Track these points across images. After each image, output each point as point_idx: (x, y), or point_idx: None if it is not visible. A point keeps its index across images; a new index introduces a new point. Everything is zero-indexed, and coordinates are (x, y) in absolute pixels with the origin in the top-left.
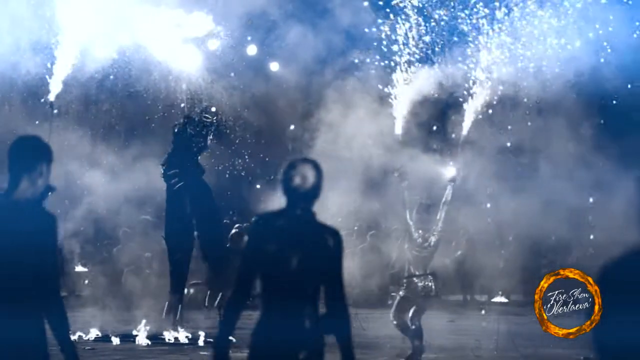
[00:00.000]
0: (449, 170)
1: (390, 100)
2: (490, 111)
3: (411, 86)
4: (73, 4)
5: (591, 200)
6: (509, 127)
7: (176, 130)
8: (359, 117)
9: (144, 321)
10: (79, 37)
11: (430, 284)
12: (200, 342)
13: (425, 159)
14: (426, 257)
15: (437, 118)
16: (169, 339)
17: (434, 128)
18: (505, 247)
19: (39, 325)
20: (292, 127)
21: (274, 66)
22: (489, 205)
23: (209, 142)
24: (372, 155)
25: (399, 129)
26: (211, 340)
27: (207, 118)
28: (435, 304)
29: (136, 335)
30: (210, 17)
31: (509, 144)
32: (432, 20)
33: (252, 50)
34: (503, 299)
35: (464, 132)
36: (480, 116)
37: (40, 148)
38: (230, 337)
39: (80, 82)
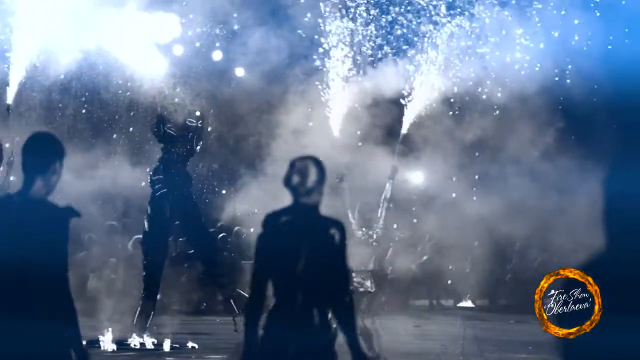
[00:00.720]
0: (390, 168)
1: (341, 101)
2: (449, 112)
3: (363, 86)
4: (33, 6)
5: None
6: (467, 127)
7: (159, 134)
8: (322, 120)
9: (109, 327)
10: (39, 40)
11: (368, 281)
12: (166, 348)
13: (375, 158)
14: (368, 254)
15: (391, 118)
16: (134, 345)
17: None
18: (470, 252)
19: (55, 328)
20: (251, 139)
21: (239, 71)
22: (452, 208)
23: (195, 146)
24: (334, 158)
25: (346, 130)
26: (177, 345)
27: (192, 122)
28: (373, 303)
29: (102, 341)
30: (175, 21)
31: (468, 146)
32: (388, 17)
33: (217, 55)
34: (469, 304)
35: (403, 130)
36: (424, 115)
37: (53, 145)
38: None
39: (43, 86)
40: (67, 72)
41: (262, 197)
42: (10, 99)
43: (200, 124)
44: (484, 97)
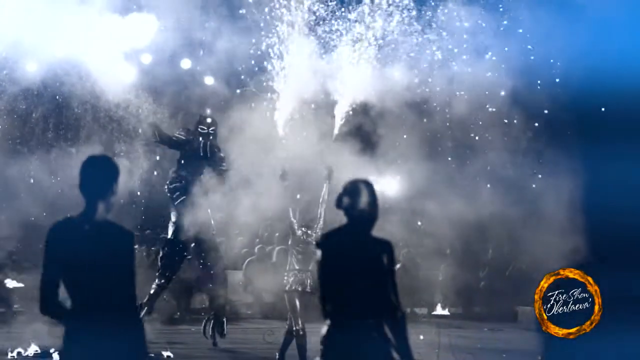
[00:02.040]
0: (326, 169)
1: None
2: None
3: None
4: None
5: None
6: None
7: (172, 141)
8: (290, 126)
9: None
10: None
11: (307, 280)
12: None
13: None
14: (308, 254)
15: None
16: None
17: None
18: (443, 260)
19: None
20: (221, 153)
21: (209, 80)
22: (423, 217)
23: (209, 153)
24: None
25: (294, 131)
26: (152, 355)
27: (203, 129)
28: (309, 304)
29: None
30: (144, 30)
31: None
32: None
33: (186, 64)
34: (444, 312)
35: (335, 130)
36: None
37: (110, 166)
38: None
39: (9, 93)
40: (33, 78)
41: (229, 205)
42: None
43: (212, 130)
44: (448, 100)
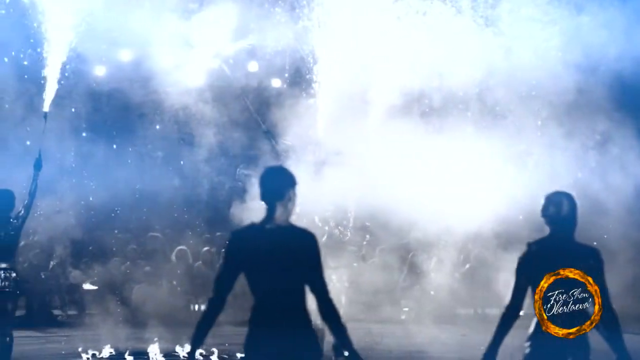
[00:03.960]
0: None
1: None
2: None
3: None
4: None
5: None
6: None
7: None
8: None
9: (156, 337)
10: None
11: (342, 276)
12: (215, 358)
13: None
14: (341, 251)
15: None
16: (183, 356)
17: None
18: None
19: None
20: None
21: (276, 82)
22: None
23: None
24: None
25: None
26: (226, 357)
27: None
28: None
29: (150, 352)
30: (213, 34)
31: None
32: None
33: (253, 67)
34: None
35: (379, 124)
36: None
37: (285, 176)
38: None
39: (78, 94)
40: (100, 80)
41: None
42: (46, 106)
43: (292, 144)
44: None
